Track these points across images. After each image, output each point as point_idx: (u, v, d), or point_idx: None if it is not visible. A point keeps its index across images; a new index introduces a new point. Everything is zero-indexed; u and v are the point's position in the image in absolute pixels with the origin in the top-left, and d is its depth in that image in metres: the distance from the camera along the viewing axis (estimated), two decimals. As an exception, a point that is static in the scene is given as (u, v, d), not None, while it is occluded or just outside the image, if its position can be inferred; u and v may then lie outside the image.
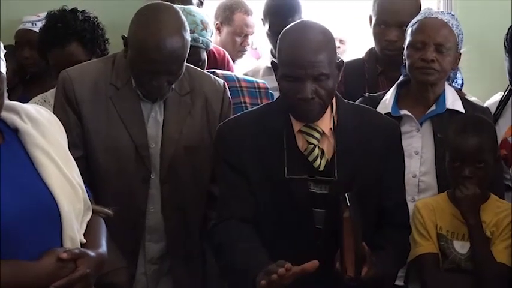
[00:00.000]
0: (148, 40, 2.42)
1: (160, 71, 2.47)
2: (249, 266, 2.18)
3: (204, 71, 2.81)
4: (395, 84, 2.84)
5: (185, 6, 2.97)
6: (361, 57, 3.34)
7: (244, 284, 2.18)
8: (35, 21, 3.48)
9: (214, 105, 2.70)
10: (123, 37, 2.53)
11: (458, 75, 2.86)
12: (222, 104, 2.72)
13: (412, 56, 2.73)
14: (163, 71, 2.47)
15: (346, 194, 2.23)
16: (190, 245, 2.71)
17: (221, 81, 2.77)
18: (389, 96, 2.81)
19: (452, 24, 2.73)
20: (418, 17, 2.79)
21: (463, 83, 2.91)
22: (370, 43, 3.31)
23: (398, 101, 2.79)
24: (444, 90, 2.77)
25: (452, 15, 2.79)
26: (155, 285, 2.69)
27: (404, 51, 2.77)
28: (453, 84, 2.86)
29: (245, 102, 3.06)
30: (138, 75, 2.52)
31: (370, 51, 3.30)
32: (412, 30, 2.76)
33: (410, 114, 2.74)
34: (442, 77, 2.74)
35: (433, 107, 2.76)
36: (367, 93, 2.91)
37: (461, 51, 2.79)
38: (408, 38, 2.76)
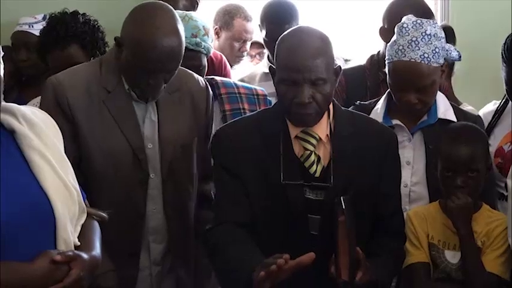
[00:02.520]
0: (147, 39, 2.42)
1: (159, 69, 2.47)
2: (244, 265, 2.18)
3: (186, 69, 2.79)
4: (386, 93, 2.81)
5: (187, 12, 3.00)
6: (362, 64, 3.33)
7: (239, 283, 2.18)
8: (32, 23, 3.49)
9: (201, 103, 2.72)
10: (116, 38, 2.53)
11: (453, 53, 2.71)
12: (207, 102, 2.75)
13: (394, 95, 2.69)
14: (161, 69, 2.47)
15: (341, 198, 2.23)
16: (189, 244, 2.72)
17: (202, 79, 2.78)
18: (381, 105, 2.79)
19: (427, 56, 2.60)
20: (391, 56, 2.65)
21: (460, 56, 2.80)
22: (368, 48, 3.31)
23: (389, 111, 2.77)
24: (435, 99, 2.74)
25: (426, 33, 2.62)
26: (159, 286, 2.69)
27: (387, 80, 2.70)
28: (450, 59, 2.76)
29: (244, 109, 3.08)
30: (134, 75, 2.50)
31: (372, 58, 3.29)
32: (388, 71, 2.68)
33: (401, 124, 2.72)
34: (429, 106, 2.70)
35: (425, 117, 2.73)
36: (358, 102, 2.88)
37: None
38: (387, 75, 2.69)
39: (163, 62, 2.46)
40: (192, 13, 3.05)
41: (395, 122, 2.72)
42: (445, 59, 2.69)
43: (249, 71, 3.85)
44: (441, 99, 2.78)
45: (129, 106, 2.57)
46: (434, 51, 2.61)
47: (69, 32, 3.09)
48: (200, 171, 2.74)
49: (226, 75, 3.56)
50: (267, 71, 3.52)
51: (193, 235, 2.74)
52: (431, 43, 2.62)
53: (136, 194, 2.59)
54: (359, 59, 3.45)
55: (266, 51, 3.71)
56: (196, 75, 2.76)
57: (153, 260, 2.66)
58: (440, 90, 2.83)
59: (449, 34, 3.40)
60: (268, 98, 3.17)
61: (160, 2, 2.60)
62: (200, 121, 2.70)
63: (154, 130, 2.60)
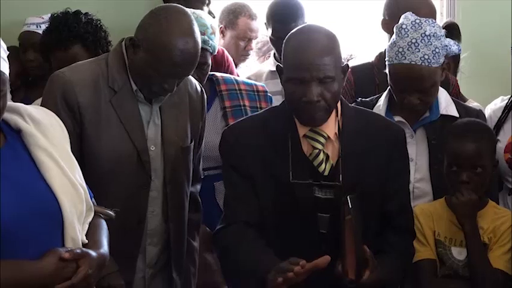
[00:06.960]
0: (175, 44, 2.40)
1: (180, 74, 2.47)
2: (258, 265, 2.18)
3: None
4: (387, 90, 2.79)
5: (195, 10, 2.98)
6: (370, 61, 3.30)
7: (252, 283, 2.18)
8: (39, 24, 3.47)
9: (197, 105, 2.71)
10: (132, 39, 2.48)
11: (453, 47, 2.67)
12: (202, 105, 2.73)
13: (396, 95, 2.68)
14: (182, 74, 2.48)
15: (347, 196, 2.23)
16: (183, 245, 2.72)
17: (198, 83, 2.76)
18: (382, 102, 2.77)
19: (428, 58, 2.58)
20: (391, 58, 2.64)
21: (460, 49, 2.74)
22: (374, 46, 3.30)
23: (391, 107, 2.75)
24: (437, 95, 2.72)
25: (425, 33, 2.59)
26: None
27: (388, 81, 2.69)
28: (450, 53, 2.74)
29: (244, 105, 3.06)
30: (149, 78, 2.47)
31: (380, 55, 3.26)
32: (389, 72, 2.66)
33: (404, 120, 2.70)
34: (430, 105, 2.69)
35: (427, 114, 2.71)
36: (359, 99, 2.87)
37: (463, 56, 2.74)
38: (388, 76, 2.67)
39: (186, 68, 2.46)
40: (200, 12, 3.04)
41: (397, 118, 2.70)
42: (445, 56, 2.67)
43: (256, 69, 3.84)
44: (442, 95, 2.76)
45: (135, 108, 2.54)
46: (434, 52, 2.59)
47: (71, 32, 3.08)
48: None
49: (228, 67, 3.56)
50: (274, 69, 3.52)
51: (186, 236, 2.73)
52: (431, 44, 2.59)
53: (138, 197, 2.56)
54: (365, 57, 3.42)
55: (273, 50, 3.70)
56: (192, 78, 2.73)
57: (148, 263, 2.64)
58: (450, 87, 2.82)
59: (455, 31, 3.40)
60: (268, 94, 3.16)
61: (179, 5, 2.57)
62: (196, 124, 2.69)
63: (157, 132, 2.58)
